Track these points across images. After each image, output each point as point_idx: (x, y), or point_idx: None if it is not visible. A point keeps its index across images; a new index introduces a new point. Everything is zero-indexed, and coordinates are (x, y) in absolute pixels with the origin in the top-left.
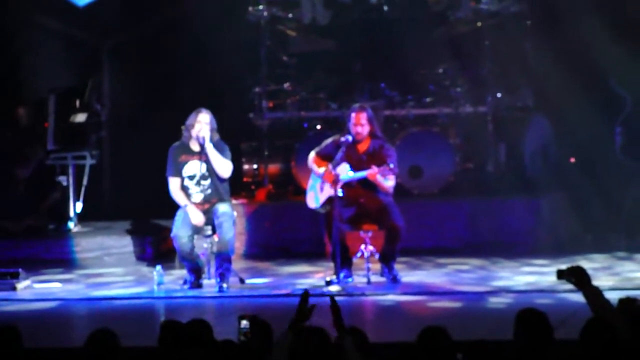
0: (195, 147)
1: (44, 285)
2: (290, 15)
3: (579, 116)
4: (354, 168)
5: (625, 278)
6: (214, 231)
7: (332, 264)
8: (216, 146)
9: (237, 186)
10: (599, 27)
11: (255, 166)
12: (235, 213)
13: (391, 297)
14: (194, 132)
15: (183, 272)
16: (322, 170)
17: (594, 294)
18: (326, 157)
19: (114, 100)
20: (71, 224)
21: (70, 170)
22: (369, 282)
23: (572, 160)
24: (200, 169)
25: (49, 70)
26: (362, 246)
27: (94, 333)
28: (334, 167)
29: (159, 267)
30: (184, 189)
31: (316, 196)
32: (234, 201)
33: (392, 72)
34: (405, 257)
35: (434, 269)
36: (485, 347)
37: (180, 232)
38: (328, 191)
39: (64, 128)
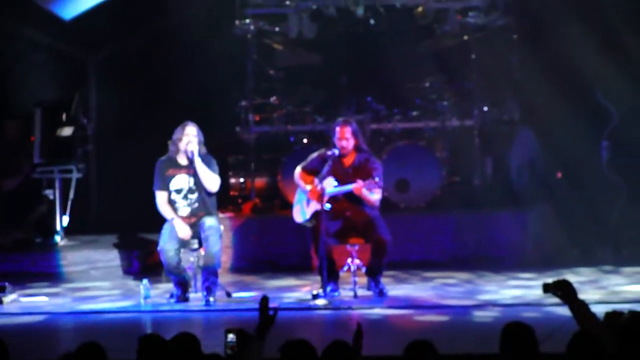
0: (182, 160)
1: (31, 299)
2: (276, 29)
3: (565, 130)
4: (340, 182)
5: (612, 292)
6: (200, 245)
7: (318, 278)
8: (204, 160)
9: (223, 200)
10: (585, 40)
11: (241, 180)
12: (221, 227)
13: (378, 311)
14: (181, 146)
15: (170, 286)
16: (308, 187)
17: (580, 308)
18: (312, 171)
19: (100, 113)
20: (58, 238)
21: (57, 184)
22: (355, 296)
23: (559, 175)
24: (187, 183)
25: (35, 84)
26: (349, 260)
27: (81, 347)
28: (320, 181)
29: (145, 281)
30: (171, 202)
31: (302, 210)
32: (220, 215)
33: (379, 86)
34: (392, 271)
35: (420, 282)
36: None
37: (167, 246)
38: (314, 205)
39: (51, 141)
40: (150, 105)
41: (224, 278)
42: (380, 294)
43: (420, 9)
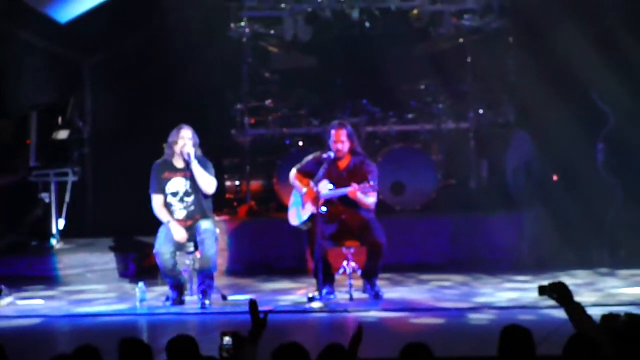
0: (178, 164)
1: (27, 302)
2: (272, 32)
3: (561, 132)
4: (335, 185)
5: (608, 294)
6: (196, 248)
7: (314, 281)
8: (200, 162)
9: (219, 203)
10: (581, 43)
11: (237, 183)
12: (217, 230)
13: (373, 314)
14: (177, 149)
15: (165, 289)
16: (304, 190)
17: (576, 311)
18: (307, 174)
19: (96, 117)
20: (54, 241)
21: (53, 187)
22: (351, 299)
23: (555, 178)
24: (184, 186)
25: (31, 87)
26: (345, 263)
27: (77, 350)
28: (316, 184)
29: (141, 284)
30: (167, 206)
31: (298, 213)
32: (216, 218)
33: (374, 89)
34: (388, 274)
35: (416, 285)
36: None
37: (162, 249)
38: (310, 208)
39: (47, 145)
40: (146, 108)
41: (220, 281)
42: (376, 296)
43: (415, 11)
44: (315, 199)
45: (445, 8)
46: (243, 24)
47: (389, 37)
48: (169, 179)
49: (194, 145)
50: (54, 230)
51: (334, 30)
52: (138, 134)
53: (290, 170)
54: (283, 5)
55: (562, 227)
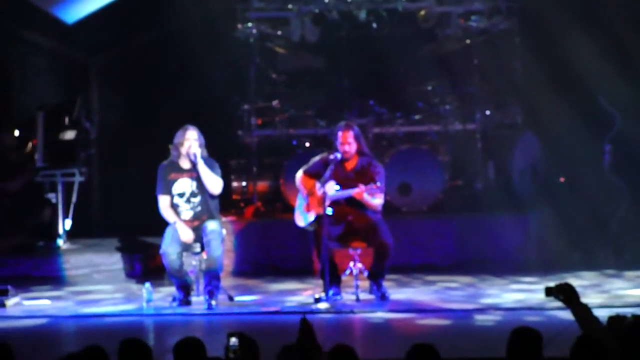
0: (184, 164)
1: (33, 302)
2: (279, 33)
3: (567, 134)
4: (342, 186)
5: (614, 295)
6: (202, 248)
7: (320, 282)
8: (206, 163)
9: (225, 203)
10: (588, 44)
11: (244, 183)
12: (224, 230)
13: (380, 315)
14: (183, 150)
15: (172, 289)
16: (307, 194)
17: (583, 312)
18: (314, 175)
19: (102, 117)
20: (60, 241)
21: (59, 188)
22: (357, 300)
23: (562, 179)
24: (190, 187)
25: (37, 87)
26: (351, 264)
27: (85, 350)
28: (322, 184)
29: (147, 284)
30: (174, 206)
31: (304, 214)
32: (222, 218)
33: (381, 90)
34: (394, 275)
35: (422, 286)
36: None
37: (169, 249)
38: (316, 209)
39: (53, 145)
40: (153, 109)
41: (226, 282)
42: (383, 297)
43: (422, 12)
44: (321, 200)
45: (452, 9)
46: (250, 24)
47: (396, 38)
48: (175, 180)
49: (200, 146)
50: (61, 231)
51: (340, 31)
52: (144, 134)
53: (296, 171)
54: (290, 6)
55: (569, 228)
